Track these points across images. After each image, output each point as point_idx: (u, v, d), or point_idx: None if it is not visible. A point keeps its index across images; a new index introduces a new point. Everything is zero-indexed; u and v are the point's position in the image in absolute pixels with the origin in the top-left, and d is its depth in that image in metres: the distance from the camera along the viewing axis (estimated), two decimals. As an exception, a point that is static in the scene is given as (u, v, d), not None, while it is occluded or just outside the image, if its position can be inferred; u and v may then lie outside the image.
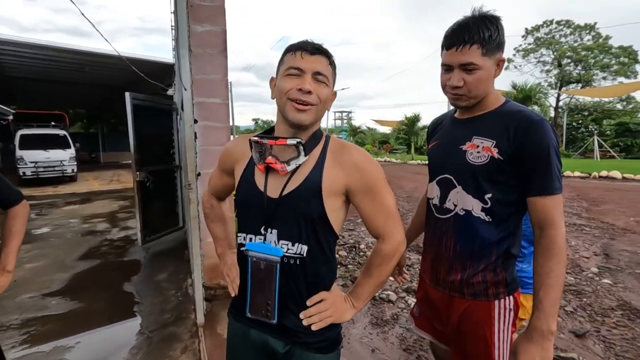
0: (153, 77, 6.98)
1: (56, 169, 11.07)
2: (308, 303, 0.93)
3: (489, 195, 1.03)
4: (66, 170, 11.30)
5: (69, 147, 11.71)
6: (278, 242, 0.91)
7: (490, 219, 1.04)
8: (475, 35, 0.97)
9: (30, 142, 10.97)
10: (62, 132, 12.03)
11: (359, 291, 0.98)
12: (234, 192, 1.07)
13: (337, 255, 3.93)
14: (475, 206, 1.05)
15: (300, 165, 0.90)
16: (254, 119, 50.27)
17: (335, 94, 0.95)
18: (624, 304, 2.87)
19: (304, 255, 0.90)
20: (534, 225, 0.99)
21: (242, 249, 0.96)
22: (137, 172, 4.14)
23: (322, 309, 0.93)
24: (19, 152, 10.64)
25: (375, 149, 24.75)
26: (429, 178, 1.23)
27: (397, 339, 2.38)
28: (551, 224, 0.95)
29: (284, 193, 0.90)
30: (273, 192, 0.91)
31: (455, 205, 1.10)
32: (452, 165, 1.10)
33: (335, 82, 0.95)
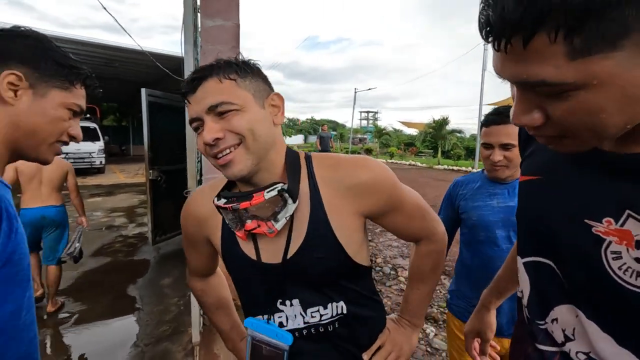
0: (179, 73, 6.99)
1: (85, 160, 11.42)
2: (365, 357, 0.77)
3: None
4: (94, 162, 11.64)
5: (98, 139, 12.05)
6: (306, 313, 0.72)
7: None
8: None
9: None
10: (92, 125, 12.40)
11: (414, 306, 0.84)
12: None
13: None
14: None
15: (292, 215, 0.68)
16: (279, 117, 50.52)
17: (275, 97, 0.70)
18: None
19: (345, 312, 0.74)
20: None
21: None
22: (150, 171, 4.06)
23: (386, 354, 0.79)
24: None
25: (400, 152, 24.17)
26: (518, 241, 0.65)
27: (410, 377, 2.11)
28: None
29: (288, 256, 0.69)
30: (272, 257, 0.70)
31: (568, 340, 0.53)
32: (564, 255, 0.52)
33: (260, 87, 0.68)
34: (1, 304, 0.51)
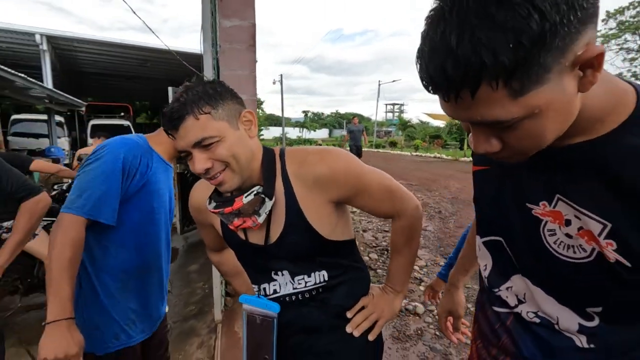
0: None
1: (120, 156, 12.10)
2: (349, 315, 0.89)
3: (597, 310, 0.53)
4: (128, 157, 12.30)
5: (131, 136, 12.70)
6: (294, 281, 0.85)
7: (593, 346, 0.55)
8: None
9: (99, 132, 12.08)
10: (126, 123, 13.08)
11: (395, 276, 0.94)
12: None
13: (367, 258, 3.77)
14: (564, 319, 0.57)
15: (271, 209, 0.80)
16: (303, 112, 50.87)
17: (246, 113, 0.78)
18: None
19: (327, 279, 0.86)
20: None
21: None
22: (177, 164, 4.31)
23: (368, 314, 0.89)
24: (90, 141, 11.82)
25: (425, 144, 23.73)
26: (476, 223, 0.73)
27: (417, 357, 2.20)
28: None
29: (271, 241, 0.83)
30: (259, 240, 0.84)
31: (521, 302, 0.63)
32: (513, 235, 0.62)
33: (232, 109, 0.76)
34: (136, 211, 1.08)
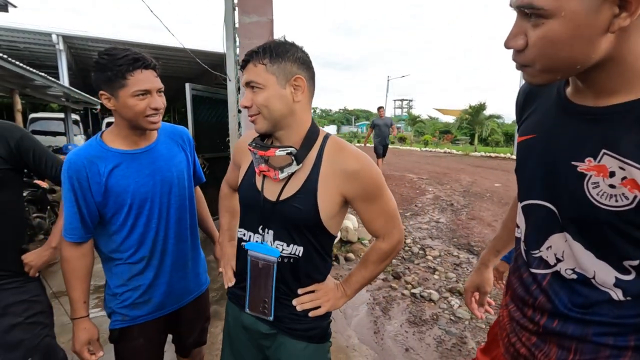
0: (217, 68, 7.38)
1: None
2: (300, 292, 0.96)
3: (635, 263, 0.57)
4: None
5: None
6: (273, 242, 0.93)
7: (629, 298, 0.59)
8: None
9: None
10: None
11: (352, 281, 1.02)
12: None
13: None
14: (601, 273, 0.61)
15: (293, 173, 0.90)
16: (312, 108, 50.81)
17: (298, 79, 0.86)
18: None
19: (299, 255, 0.93)
20: None
21: (242, 244, 0.99)
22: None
23: (315, 298, 0.97)
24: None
25: (435, 139, 23.59)
26: (518, 190, 0.77)
27: (434, 340, 2.28)
28: None
29: (280, 198, 0.91)
30: (271, 194, 0.93)
31: (559, 261, 0.66)
32: (557, 193, 0.65)
33: (287, 69, 0.85)
34: (113, 213, 1.15)
